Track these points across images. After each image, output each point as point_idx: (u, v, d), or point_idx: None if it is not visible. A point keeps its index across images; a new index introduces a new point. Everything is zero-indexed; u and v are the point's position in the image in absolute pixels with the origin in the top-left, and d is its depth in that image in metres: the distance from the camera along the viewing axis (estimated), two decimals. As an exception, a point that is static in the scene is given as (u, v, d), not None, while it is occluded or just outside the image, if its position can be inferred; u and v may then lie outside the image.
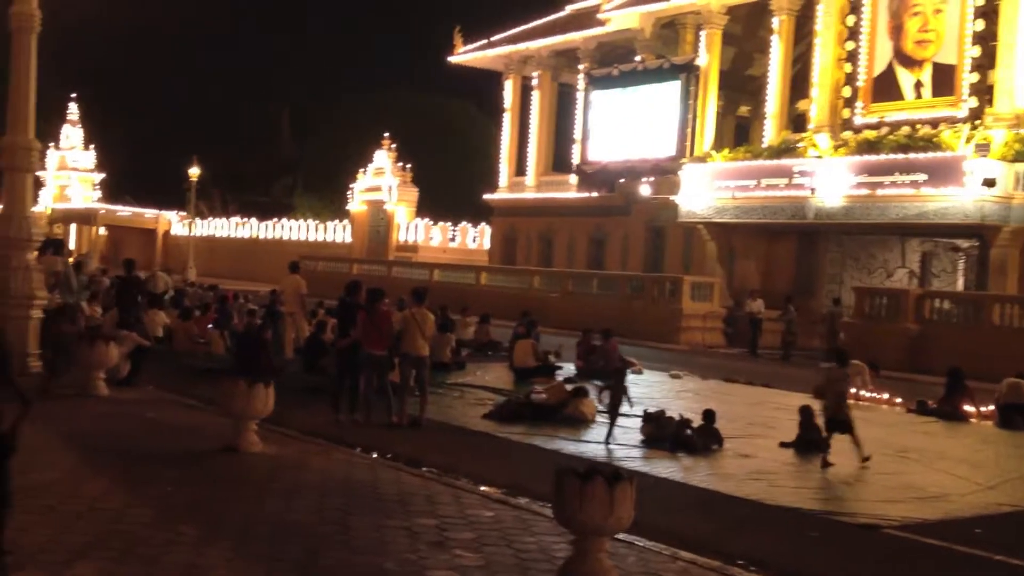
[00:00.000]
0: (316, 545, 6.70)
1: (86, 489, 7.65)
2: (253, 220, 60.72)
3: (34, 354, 13.49)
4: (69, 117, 66.31)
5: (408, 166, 49.53)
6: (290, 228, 57.77)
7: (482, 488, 9.01)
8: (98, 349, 12.43)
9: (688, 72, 35.01)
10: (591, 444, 11.83)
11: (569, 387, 14.27)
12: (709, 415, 12.14)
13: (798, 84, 33.20)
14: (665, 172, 35.18)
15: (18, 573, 5.62)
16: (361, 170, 51.31)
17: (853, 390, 14.18)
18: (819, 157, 29.54)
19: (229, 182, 70.33)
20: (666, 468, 10.74)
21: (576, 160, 40.35)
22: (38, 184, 51.99)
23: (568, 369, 18.50)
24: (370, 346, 12.10)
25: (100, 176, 67.11)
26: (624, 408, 12.14)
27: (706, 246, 34.10)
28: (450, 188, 53.90)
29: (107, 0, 52.62)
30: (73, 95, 65.30)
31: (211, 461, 9.10)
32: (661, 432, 11.97)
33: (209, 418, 11.21)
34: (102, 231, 64.43)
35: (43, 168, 56.54)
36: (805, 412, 12.30)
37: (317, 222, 56.94)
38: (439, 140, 58.61)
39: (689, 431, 11.81)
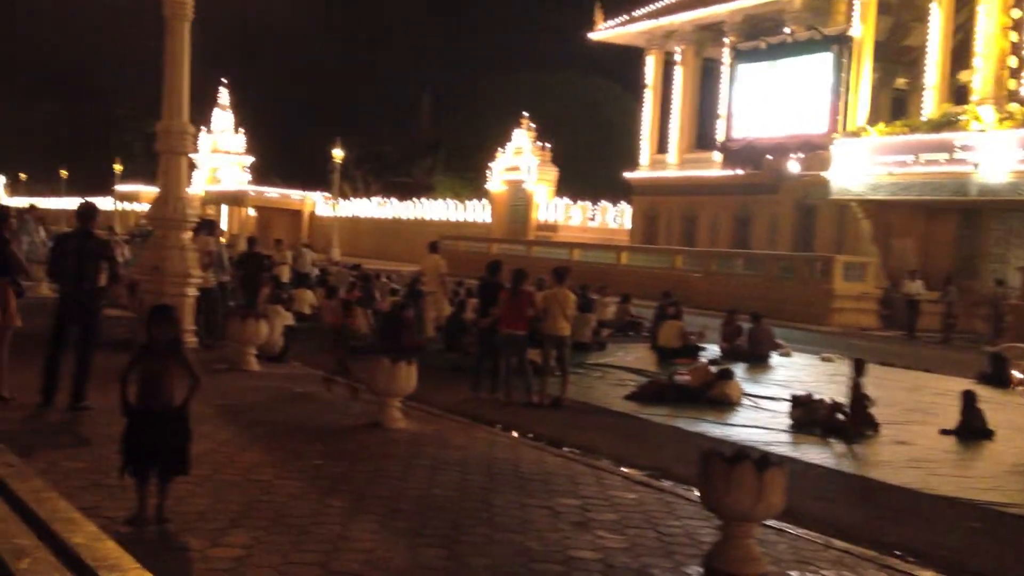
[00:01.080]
0: (459, 521, 6.69)
1: (239, 460, 7.85)
2: (394, 200, 61.91)
3: (189, 330, 14.00)
4: (220, 102, 68.93)
5: (547, 145, 49.48)
6: (430, 208, 58.62)
7: (624, 470, 8.86)
8: (249, 326, 12.79)
9: (841, 43, 33.70)
10: (737, 427, 11.51)
11: (714, 369, 13.93)
12: (863, 399, 11.63)
13: (959, 54, 31.51)
14: (815, 148, 34.03)
15: (180, 539, 5.78)
16: (500, 149, 51.56)
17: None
18: (983, 131, 27.99)
19: (371, 163, 71.93)
20: (817, 454, 10.36)
21: (720, 137, 39.48)
22: (192, 167, 54.25)
23: (712, 351, 18.10)
24: (511, 326, 12.08)
25: (250, 159, 69.60)
26: (770, 392, 11.77)
27: (860, 224, 32.87)
28: (590, 167, 53.64)
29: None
30: (223, 80, 67.82)
31: (356, 436, 9.22)
32: (811, 417, 11.56)
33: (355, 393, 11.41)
34: (251, 212, 66.87)
35: (196, 151, 58.94)
36: (968, 397, 11.66)
37: (457, 202, 57.61)
38: (579, 118, 58.39)
39: (842, 416, 11.35)
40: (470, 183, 60.34)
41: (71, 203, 62.73)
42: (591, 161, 54.70)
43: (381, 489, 7.35)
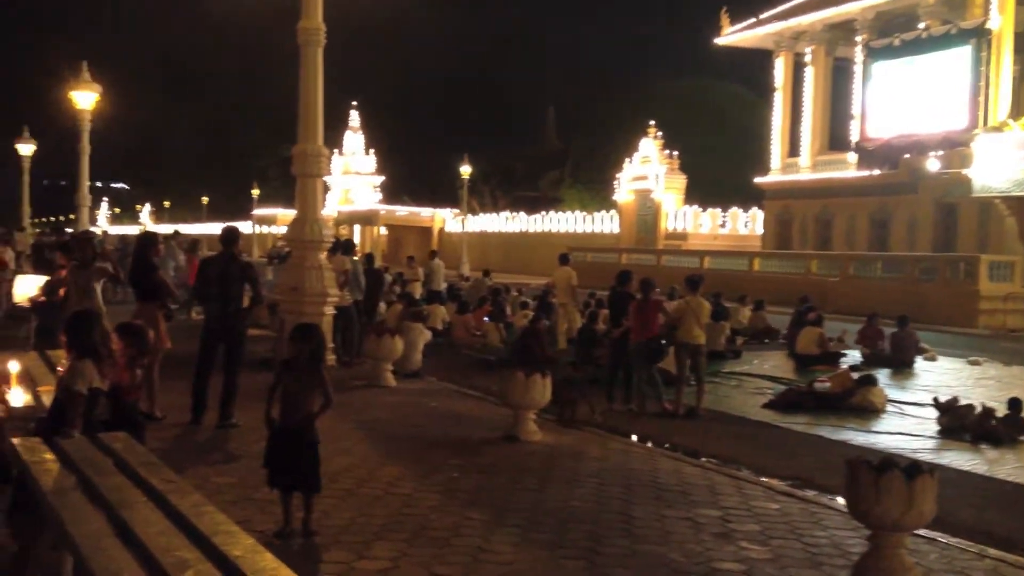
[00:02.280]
0: (599, 533, 6.65)
1: (380, 474, 8.00)
2: (522, 214, 62.30)
3: (327, 348, 14.35)
4: (351, 124, 70.75)
5: (675, 153, 48.98)
6: (558, 220, 58.74)
7: (765, 480, 8.65)
8: (385, 342, 13.05)
9: (979, 36, 32.35)
10: (882, 435, 11.11)
11: (856, 375, 13.49)
12: (1015, 404, 11.09)
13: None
14: (955, 145, 32.70)
15: (327, 552, 5.93)
16: (627, 159, 51.31)
17: None
18: None
19: (499, 178, 72.63)
20: (968, 460, 9.91)
21: (855, 137, 38.37)
22: (326, 189, 55.82)
23: (853, 356, 17.54)
24: (642, 335, 11.98)
25: (380, 179, 71.19)
26: (916, 398, 11.32)
27: (1004, 222, 31.41)
28: (719, 173, 52.81)
29: (380, 10, 55.56)
30: (354, 103, 69.61)
31: (492, 449, 9.29)
32: (959, 422, 11.07)
33: (488, 408, 11.50)
34: (383, 231, 68.34)
35: (329, 173, 60.74)
36: None
37: (584, 213, 57.56)
38: (705, 124, 57.61)
39: (993, 421, 10.83)
40: (597, 194, 60.23)
41: (212, 228, 65.39)
42: (720, 167, 53.84)
43: (519, 501, 7.38)
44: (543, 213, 60.57)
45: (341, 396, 11.78)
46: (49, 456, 4.61)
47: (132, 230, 61.96)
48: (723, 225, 49.53)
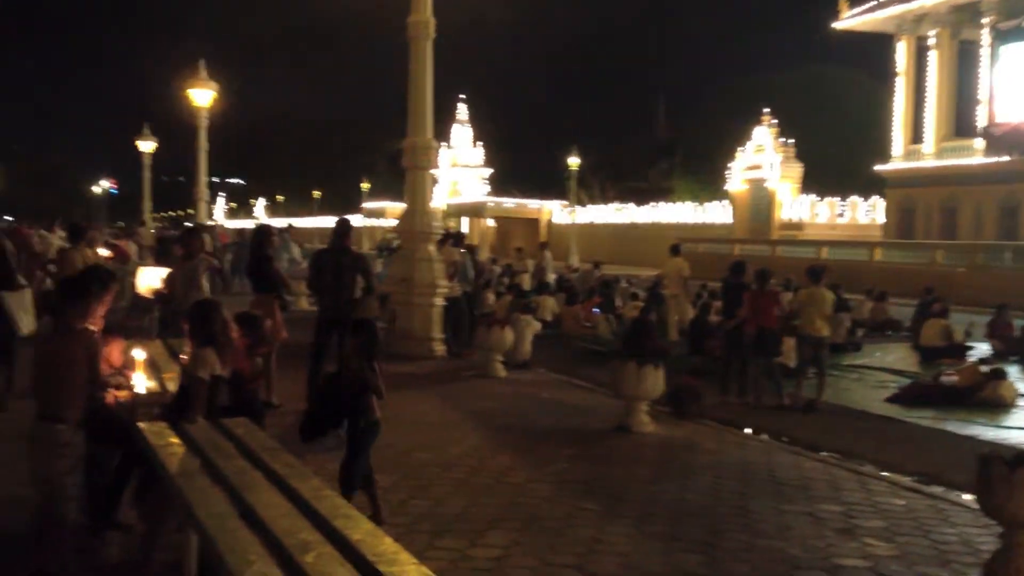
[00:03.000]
0: (715, 526, 6.51)
1: (491, 464, 8.00)
2: (631, 205, 61.78)
3: (438, 339, 14.48)
4: (458, 117, 71.25)
5: (790, 141, 47.83)
6: (668, 211, 58.06)
7: (889, 475, 8.34)
8: (495, 333, 13.07)
9: (1114, 14, 30.69)
10: (1014, 430, 10.62)
11: (984, 368, 12.93)
12: None
13: None
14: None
15: (442, 539, 5.95)
16: (740, 148, 50.37)
17: None
18: None
19: (607, 169, 72.19)
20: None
21: (982, 123, 36.91)
22: (434, 181, 56.42)
23: (982, 349, 16.83)
24: (757, 326, 11.71)
25: (488, 171, 71.53)
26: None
27: None
28: (836, 161, 51.39)
29: (488, 2, 55.80)
30: (461, 96, 70.11)
31: (604, 440, 9.19)
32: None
33: (599, 399, 11.40)
34: (490, 223, 68.69)
35: (438, 166, 61.23)
36: None
37: (695, 204, 56.75)
38: (823, 111, 56.09)
39: None
40: (708, 185, 59.32)
41: (323, 222, 66.77)
42: (837, 155, 52.37)
43: (633, 493, 7.29)
44: (652, 204, 59.94)
45: (451, 386, 12.01)
46: (175, 440, 4.73)
47: (247, 224, 63.74)
48: (841, 215, 48.16)
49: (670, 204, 59.17)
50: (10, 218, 47.65)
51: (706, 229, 52.11)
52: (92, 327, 5.16)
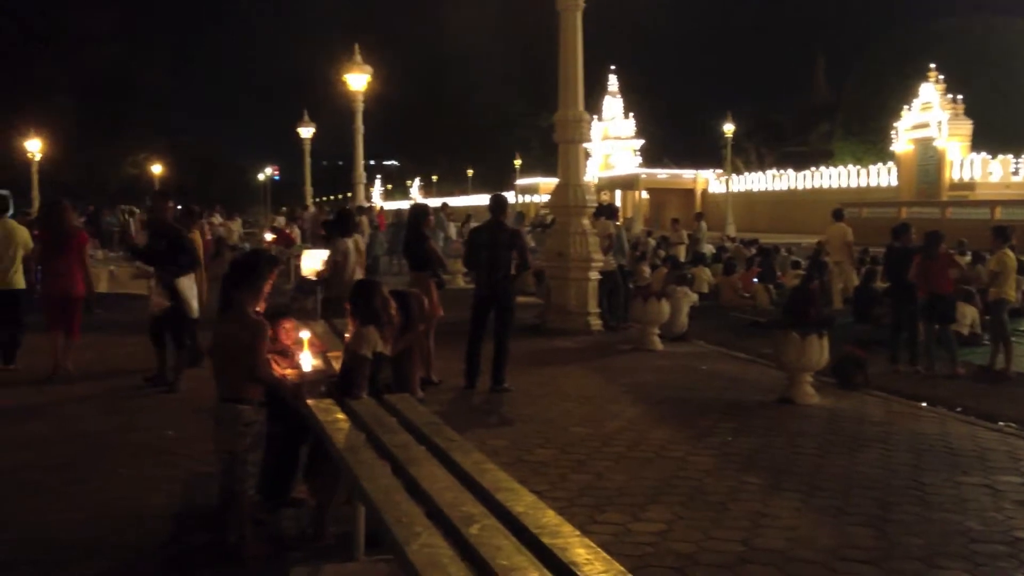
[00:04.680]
0: (886, 499, 6.27)
1: (651, 437, 7.94)
2: (790, 171, 59.97)
3: (594, 313, 14.45)
4: (609, 89, 70.63)
5: (959, 97, 45.35)
6: (829, 176, 56.09)
7: (1076, 447, 7.84)
8: (651, 306, 12.95)
9: None
10: None
11: None
12: None
13: None
14: None
15: (603, 514, 5.94)
16: (905, 107, 48.11)
17: None
18: None
19: (764, 134, 70.27)
20: None
21: None
22: (586, 155, 56.22)
23: None
24: (929, 292, 11.19)
25: (640, 142, 70.74)
26: None
27: None
28: (1010, 118, 48.41)
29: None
30: (612, 67, 69.43)
31: (766, 412, 8.99)
32: None
33: (760, 370, 11.16)
34: (644, 195, 67.99)
35: (590, 139, 60.88)
36: None
37: (858, 167, 54.62)
38: (994, 66, 52.90)
39: None
40: (872, 147, 56.93)
41: (477, 200, 67.55)
42: (1011, 111, 49.33)
43: (799, 466, 7.09)
44: (812, 169, 58.00)
45: (608, 360, 11.98)
46: (341, 416, 4.87)
47: (403, 204, 65.20)
48: (1016, 172, 45.42)
49: (831, 168, 57.10)
50: (179, 206, 50.25)
51: (870, 193, 50.10)
52: (259, 309, 5.38)
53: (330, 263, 10.27)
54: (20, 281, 11.09)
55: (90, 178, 56.88)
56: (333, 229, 11.07)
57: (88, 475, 6.80)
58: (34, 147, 44.26)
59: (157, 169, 66.47)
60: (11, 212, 12.66)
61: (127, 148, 64.24)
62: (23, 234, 11.23)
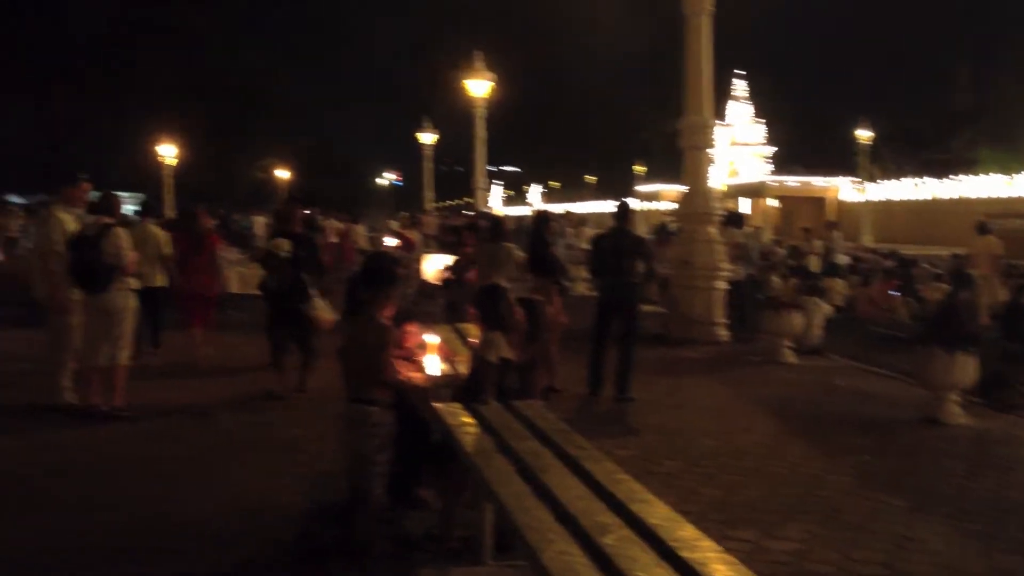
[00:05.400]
0: (1039, 527, 5.88)
1: (784, 453, 7.65)
2: (931, 179, 57.66)
3: (721, 323, 14.11)
4: (735, 94, 69.35)
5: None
6: (974, 185, 53.60)
7: None
8: (782, 317, 12.56)
9: None
10: None
11: None
12: None
13: None
14: None
15: (735, 530, 5.73)
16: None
17: None
18: None
19: (902, 141, 67.73)
20: None
21: None
22: (711, 162, 55.22)
23: None
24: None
25: (769, 149, 69.20)
26: None
27: None
28: None
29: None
30: (739, 72, 68.16)
31: (907, 432, 8.56)
32: None
33: (900, 387, 10.66)
34: (773, 203, 66.41)
35: (715, 146, 59.80)
36: None
37: (1006, 176, 52.08)
38: None
39: None
40: (1021, 154, 54.24)
41: (597, 207, 67.26)
42: None
43: (944, 488, 6.71)
44: (956, 177, 55.59)
45: (737, 372, 11.66)
46: (468, 420, 4.82)
47: (522, 211, 65.43)
48: None
49: (976, 177, 54.56)
50: (307, 211, 51.77)
51: (1019, 203, 47.75)
52: (388, 314, 5.39)
53: (452, 266, 10.34)
54: (160, 279, 11.73)
55: (219, 182, 58.88)
56: (488, 235, 11.16)
57: (220, 469, 6.98)
58: (168, 152, 46.00)
59: (283, 174, 68.34)
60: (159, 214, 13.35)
61: (255, 153, 66.32)
62: (161, 236, 11.91)
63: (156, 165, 47.17)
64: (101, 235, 8.43)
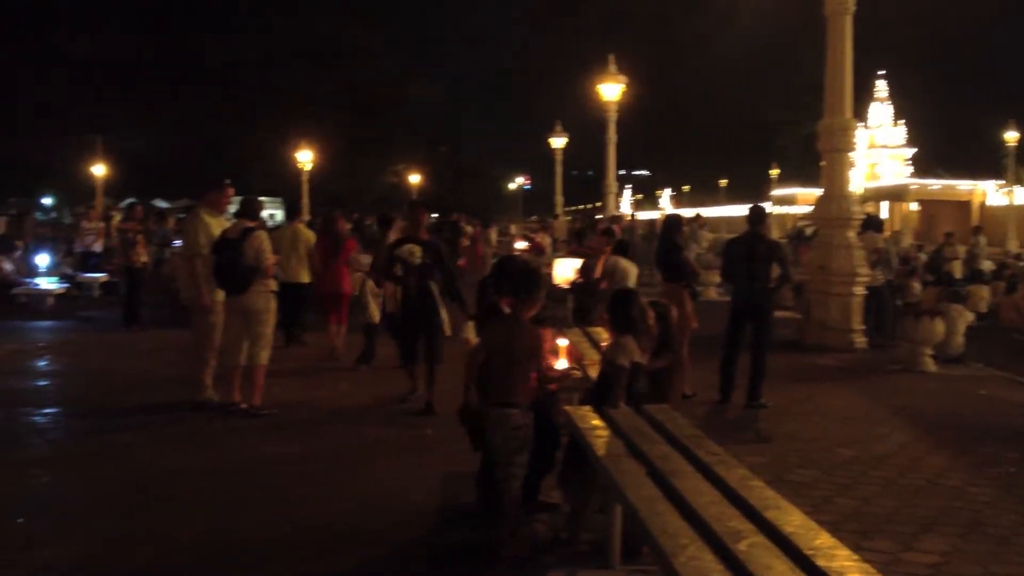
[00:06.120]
0: None
1: (923, 464, 7.42)
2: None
3: (858, 330, 13.74)
4: (877, 95, 67.13)
5: None
6: None
7: None
8: (923, 324, 12.15)
9: None
10: None
11: None
12: None
13: None
14: None
15: (870, 541, 5.60)
16: None
17: None
18: None
19: (1051, 144, 64.40)
20: None
21: None
22: (850, 165, 53.57)
23: None
24: None
25: (909, 151, 66.76)
26: None
27: None
28: None
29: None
30: (880, 72, 65.96)
31: (1058, 444, 8.18)
32: None
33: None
34: (913, 207, 63.99)
35: (855, 148, 58.09)
36: None
37: None
38: None
39: None
40: None
41: (729, 211, 66.09)
42: None
43: (1100, 505, 6.39)
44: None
45: (874, 380, 11.35)
46: (599, 423, 4.85)
47: (652, 215, 64.78)
48: None
49: None
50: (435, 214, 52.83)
51: None
52: (529, 316, 5.49)
53: (581, 270, 10.37)
54: (305, 276, 12.76)
55: (352, 187, 60.22)
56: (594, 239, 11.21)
57: (354, 468, 7.19)
58: (305, 158, 47.41)
59: (415, 179, 69.46)
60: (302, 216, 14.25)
61: (387, 158, 67.57)
62: (309, 236, 12.92)
63: (293, 171, 48.62)
64: (243, 238, 8.75)
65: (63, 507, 6.26)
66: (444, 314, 9.25)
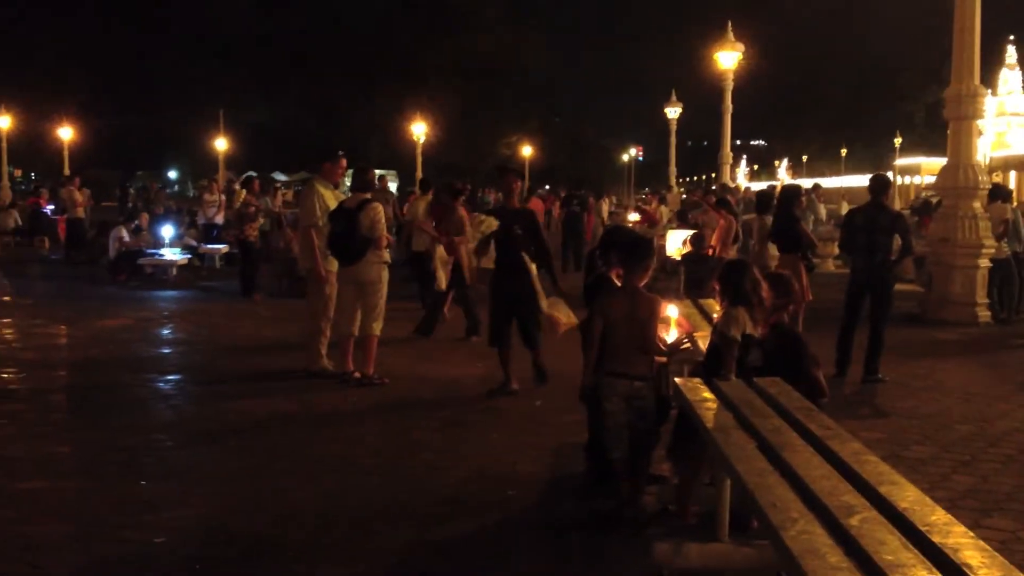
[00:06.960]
0: None
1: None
2: None
3: (982, 303, 13.31)
4: (1007, 61, 64.12)
5: None
6: None
7: None
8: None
9: None
10: None
11: None
12: None
13: None
14: None
15: (989, 519, 5.47)
16: None
17: None
18: None
19: None
20: None
21: None
22: (978, 133, 51.44)
23: None
24: None
25: (1046, 119, 63.62)
26: None
27: None
28: None
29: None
30: (1011, 37, 62.96)
31: None
32: None
33: None
34: (1043, 177, 61.01)
35: (983, 116, 55.72)
36: None
37: None
38: None
39: None
40: None
41: (850, 181, 64.21)
42: None
43: None
44: None
45: (997, 356, 11.00)
46: (708, 396, 4.82)
47: (767, 186, 63.46)
48: None
49: None
50: (547, 186, 52.73)
51: None
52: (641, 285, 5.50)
53: (693, 240, 10.29)
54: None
55: (466, 158, 60.48)
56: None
57: (465, 438, 7.28)
58: (419, 130, 47.86)
59: (527, 151, 69.10)
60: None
61: (501, 129, 67.55)
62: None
63: (409, 143, 49.18)
64: (359, 209, 8.90)
65: (185, 471, 6.46)
66: (543, 302, 8.23)
